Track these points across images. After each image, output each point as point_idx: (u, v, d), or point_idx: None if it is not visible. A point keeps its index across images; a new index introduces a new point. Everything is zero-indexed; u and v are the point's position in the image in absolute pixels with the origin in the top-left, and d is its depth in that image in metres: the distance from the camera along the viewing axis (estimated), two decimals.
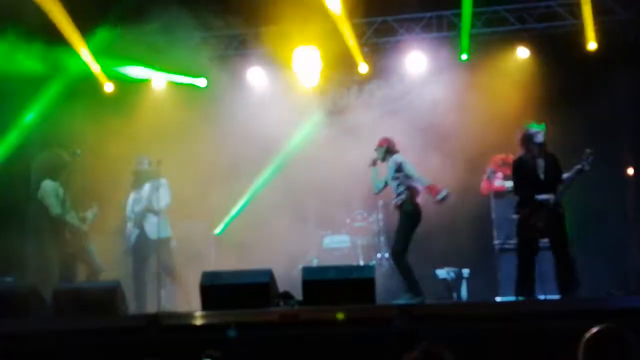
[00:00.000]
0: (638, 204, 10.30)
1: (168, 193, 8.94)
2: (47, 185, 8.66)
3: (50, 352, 6.16)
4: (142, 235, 8.90)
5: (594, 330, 3.04)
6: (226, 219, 10.07)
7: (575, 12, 10.51)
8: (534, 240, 7.60)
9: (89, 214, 8.87)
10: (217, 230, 10.84)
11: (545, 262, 8.20)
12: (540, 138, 7.59)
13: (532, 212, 7.53)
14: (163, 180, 8.92)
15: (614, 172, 10.34)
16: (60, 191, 8.64)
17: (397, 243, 8.20)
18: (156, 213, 8.77)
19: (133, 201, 9.05)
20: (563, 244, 7.46)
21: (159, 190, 8.86)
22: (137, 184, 9.06)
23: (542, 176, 7.60)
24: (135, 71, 11.02)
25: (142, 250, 8.90)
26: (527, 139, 7.64)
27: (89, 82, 10.85)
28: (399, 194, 8.31)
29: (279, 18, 10.54)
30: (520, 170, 7.74)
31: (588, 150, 7.44)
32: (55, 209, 8.55)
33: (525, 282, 7.47)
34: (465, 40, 10.65)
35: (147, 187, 8.97)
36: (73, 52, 10.28)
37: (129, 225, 9.04)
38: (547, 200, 7.48)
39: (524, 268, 7.54)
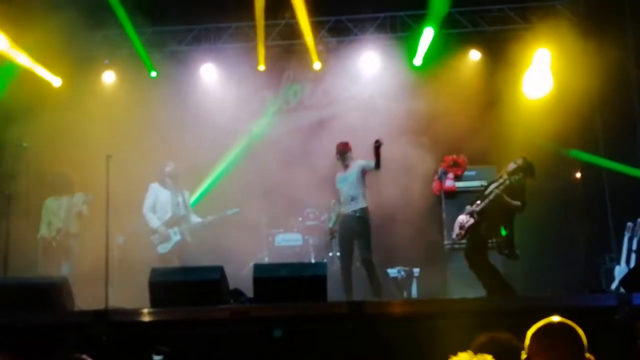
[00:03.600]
0: (586, 203, 10.51)
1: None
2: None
3: None
4: None
5: (542, 322, 3.14)
6: None
7: (526, 16, 10.70)
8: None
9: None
10: None
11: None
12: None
13: None
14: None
15: (564, 173, 10.57)
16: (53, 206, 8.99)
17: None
18: None
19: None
20: (470, 249, 7.90)
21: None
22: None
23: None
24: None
25: None
26: None
27: (38, 75, 10.55)
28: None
29: (234, 15, 10.50)
30: None
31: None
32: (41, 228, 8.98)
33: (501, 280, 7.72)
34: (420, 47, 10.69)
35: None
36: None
37: None
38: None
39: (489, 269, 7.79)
